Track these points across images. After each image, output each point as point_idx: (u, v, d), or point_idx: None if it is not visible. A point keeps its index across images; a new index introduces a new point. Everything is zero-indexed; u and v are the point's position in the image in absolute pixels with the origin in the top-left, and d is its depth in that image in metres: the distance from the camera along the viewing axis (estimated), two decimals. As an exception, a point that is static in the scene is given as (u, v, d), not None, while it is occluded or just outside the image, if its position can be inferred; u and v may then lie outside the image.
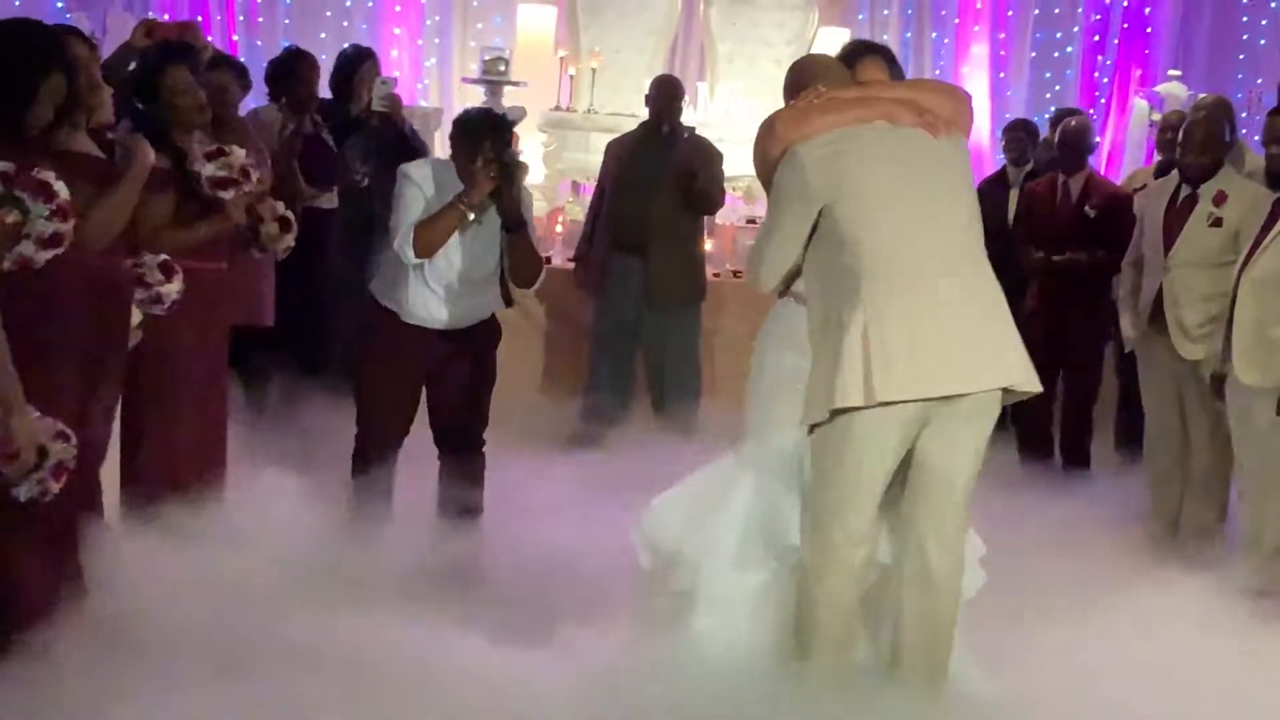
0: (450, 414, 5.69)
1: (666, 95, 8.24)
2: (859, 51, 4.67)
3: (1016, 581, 5.44)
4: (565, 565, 5.24)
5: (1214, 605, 5.36)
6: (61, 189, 3.82)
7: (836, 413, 3.97)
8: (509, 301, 5.74)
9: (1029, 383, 4.11)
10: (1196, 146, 6.35)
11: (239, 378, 6.66)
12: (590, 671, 4.26)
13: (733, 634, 4.29)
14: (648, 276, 7.97)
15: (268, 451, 6.05)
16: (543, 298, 8.66)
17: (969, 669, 4.35)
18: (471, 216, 5.40)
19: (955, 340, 3.99)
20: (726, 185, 10.48)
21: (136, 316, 4.77)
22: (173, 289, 4.76)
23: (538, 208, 10.65)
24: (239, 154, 5.29)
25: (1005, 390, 4.12)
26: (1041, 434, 7.75)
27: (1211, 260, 6.21)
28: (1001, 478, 7.15)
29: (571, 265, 8.67)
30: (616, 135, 8.76)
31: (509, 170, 5.40)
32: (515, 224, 5.47)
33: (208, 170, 5.25)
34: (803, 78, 4.35)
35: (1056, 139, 7.96)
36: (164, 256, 4.74)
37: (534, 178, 10.87)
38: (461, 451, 5.70)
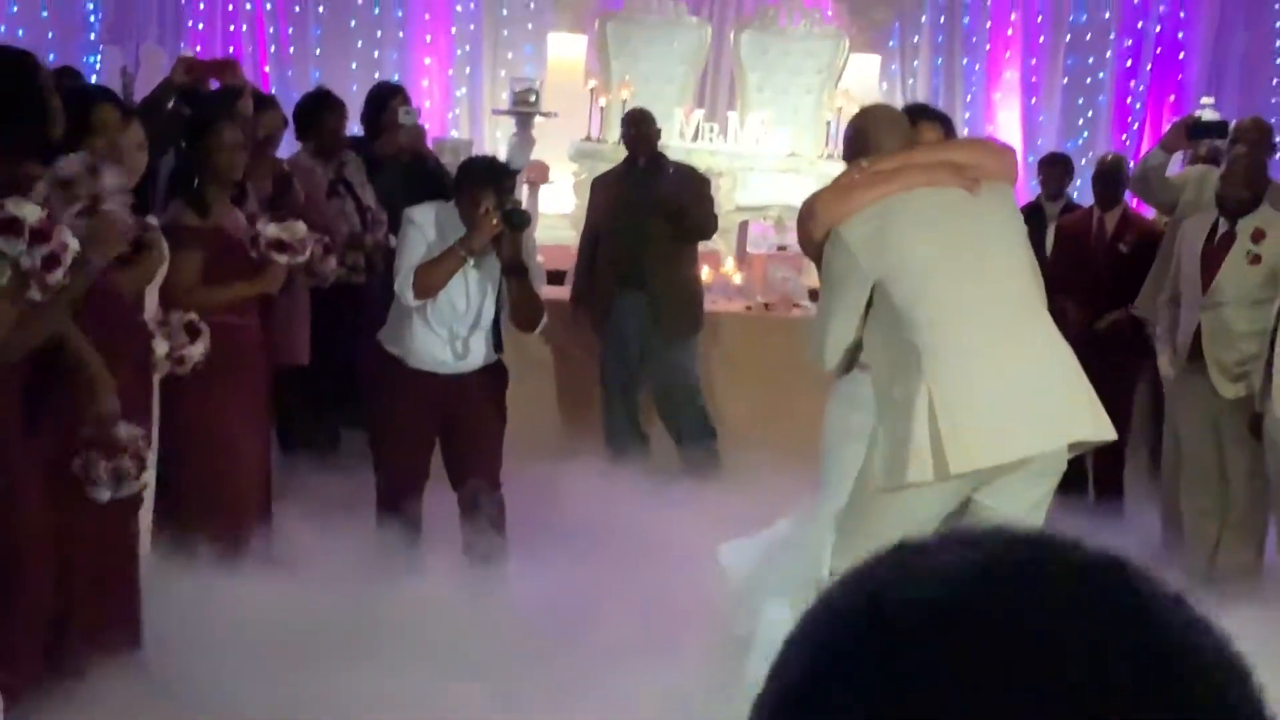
0: (463, 458, 5.74)
1: (635, 128, 8.23)
2: (915, 115, 4.69)
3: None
4: (603, 607, 5.20)
5: (1254, 644, 5.30)
6: (29, 211, 3.57)
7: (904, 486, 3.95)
8: (499, 347, 5.73)
9: (1100, 433, 4.08)
10: (1239, 179, 6.28)
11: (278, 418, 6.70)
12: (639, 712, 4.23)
13: None
14: (652, 310, 7.94)
15: (309, 495, 6.05)
16: (570, 333, 8.65)
17: None
18: (471, 261, 5.46)
19: (1022, 403, 3.95)
20: (758, 214, 10.52)
21: (163, 347, 4.77)
22: (196, 351, 4.75)
23: (568, 238, 10.69)
24: (301, 227, 5.36)
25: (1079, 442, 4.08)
26: (1075, 468, 7.65)
27: (1250, 298, 6.15)
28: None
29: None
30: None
31: (511, 218, 5.45)
32: (515, 270, 5.54)
33: (269, 230, 5.30)
34: (858, 138, 4.34)
35: (1094, 173, 7.91)
36: (191, 316, 4.73)
37: (565, 208, 10.90)
38: (478, 495, 5.71)
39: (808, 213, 4.23)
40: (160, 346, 4.66)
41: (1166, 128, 12.48)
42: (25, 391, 3.95)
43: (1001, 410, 3.93)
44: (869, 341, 4.15)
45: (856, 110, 10.27)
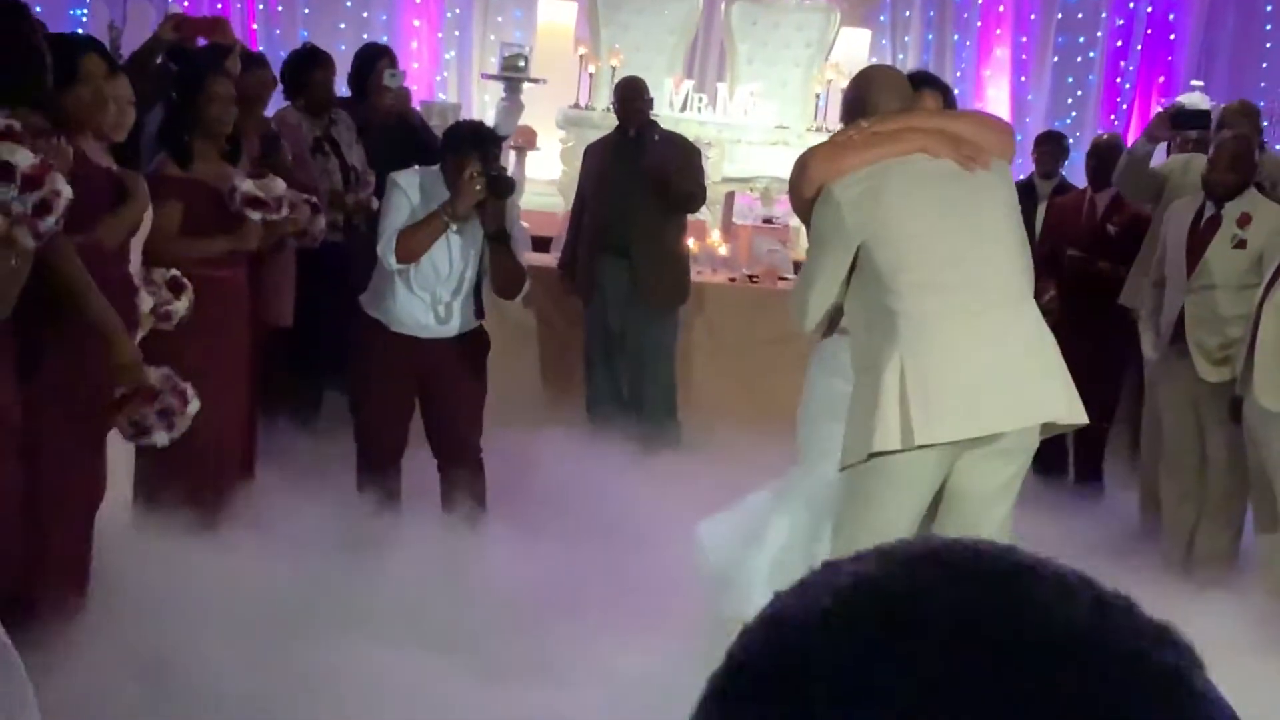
0: (444, 425, 5.74)
1: (625, 99, 8.20)
2: (917, 83, 4.66)
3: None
4: (582, 579, 5.21)
5: (1230, 630, 5.34)
6: (22, 157, 3.56)
7: (872, 455, 3.93)
8: (480, 313, 5.73)
9: (1072, 416, 4.06)
10: (1225, 163, 6.27)
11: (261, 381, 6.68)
12: (625, 695, 4.23)
13: None
14: (634, 279, 7.93)
15: (289, 457, 6.04)
16: (555, 301, 8.64)
17: None
18: (454, 227, 5.46)
19: (994, 378, 3.93)
20: (745, 186, 10.49)
21: (148, 303, 4.75)
22: (181, 306, 4.73)
23: (554, 204, 10.67)
24: (280, 185, 5.33)
25: (1048, 424, 4.07)
26: (1055, 449, 7.70)
27: (1234, 283, 6.15)
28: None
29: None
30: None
31: (495, 184, 5.44)
32: (497, 235, 5.54)
33: (245, 186, 5.28)
34: (857, 100, 4.30)
35: (1088, 153, 7.91)
36: (174, 273, 4.72)
37: (552, 174, 10.86)
38: (459, 462, 5.72)
39: (800, 168, 4.19)
40: (146, 302, 4.65)
41: (1154, 113, 12.58)
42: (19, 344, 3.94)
43: (973, 384, 3.91)
44: (850, 305, 4.13)
45: (845, 85, 10.39)
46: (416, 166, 5.72)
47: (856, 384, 4.03)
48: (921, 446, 3.88)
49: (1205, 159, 6.56)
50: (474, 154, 5.47)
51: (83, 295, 4.00)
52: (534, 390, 8.48)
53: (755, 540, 4.37)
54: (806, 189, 4.14)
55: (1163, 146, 7.83)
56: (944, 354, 3.91)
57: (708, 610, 4.48)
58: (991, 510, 4.08)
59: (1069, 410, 4.06)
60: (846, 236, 4.03)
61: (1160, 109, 8.47)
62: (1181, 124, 7.16)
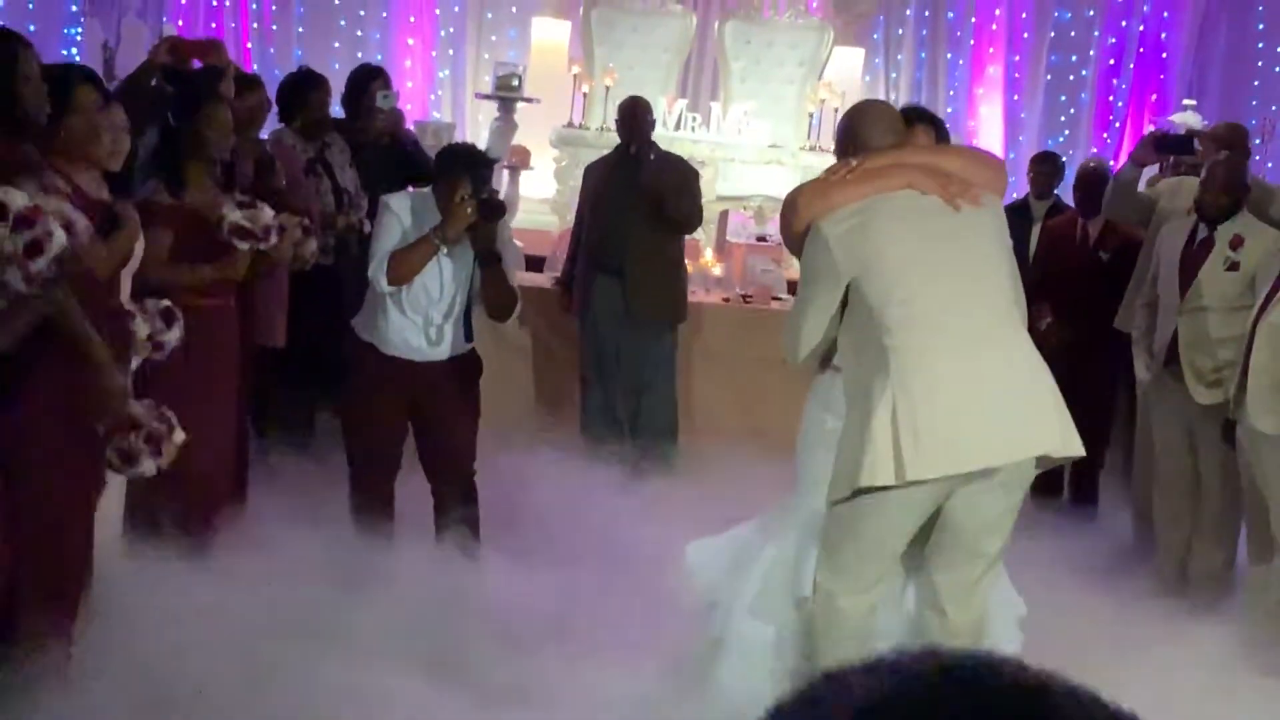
0: (437, 449, 5.74)
1: (629, 117, 8.20)
2: (911, 118, 4.67)
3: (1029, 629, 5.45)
4: (575, 603, 5.22)
5: (1222, 652, 5.34)
6: (16, 197, 3.55)
7: (860, 490, 3.92)
8: (470, 336, 5.73)
9: (1067, 448, 4.04)
10: (1218, 186, 6.28)
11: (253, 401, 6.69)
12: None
13: (754, 684, 4.27)
14: (627, 298, 7.94)
15: (282, 480, 6.03)
16: (549, 321, 8.65)
17: None
18: (445, 249, 5.49)
19: (986, 411, 3.92)
20: (738, 204, 10.52)
21: (144, 329, 4.74)
22: (173, 336, 4.72)
23: (549, 223, 10.69)
24: (267, 214, 5.33)
25: (1048, 455, 4.06)
26: (1050, 471, 7.71)
27: (1227, 304, 6.15)
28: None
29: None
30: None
31: (486, 208, 5.47)
32: (489, 259, 5.56)
33: (233, 216, 5.27)
34: (848, 134, 4.31)
35: (1075, 181, 7.93)
36: (166, 303, 4.70)
37: (546, 193, 10.89)
38: (452, 486, 5.73)
39: (790, 206, 4.21)
40: (141, 328, 4.64)
41: (1146, 131, 12.62)
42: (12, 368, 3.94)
43: (964, 418, 3.90)
44: (842, 340, 4.13)
45: (839, 103, 10.42)
46: (408, 189, 5.74)
47: (847, 418, 4.03)
48: (913, 482, 3.88)
49: (1196, 182, 6.57)
50: (465, 176, 5.49)
51: (70, 324, 4.00)
52: (528, 410, 8.47)
53: (743, 565, 4.38)
54: (796, 225, 4.15)
55: (1154, 167, 7.85)
56: (934, 388, 3.90)
57: (695, 633, 4.48)
58: (986, 542, 4.07)
59: (1064, 443, 4.03)
60: (836, 272, 4.04)
61: (1146, 134, 8.49)
62: (1166, 149, 7.18)
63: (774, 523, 4.41)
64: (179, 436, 4.27)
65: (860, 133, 4.27)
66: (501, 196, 9.94)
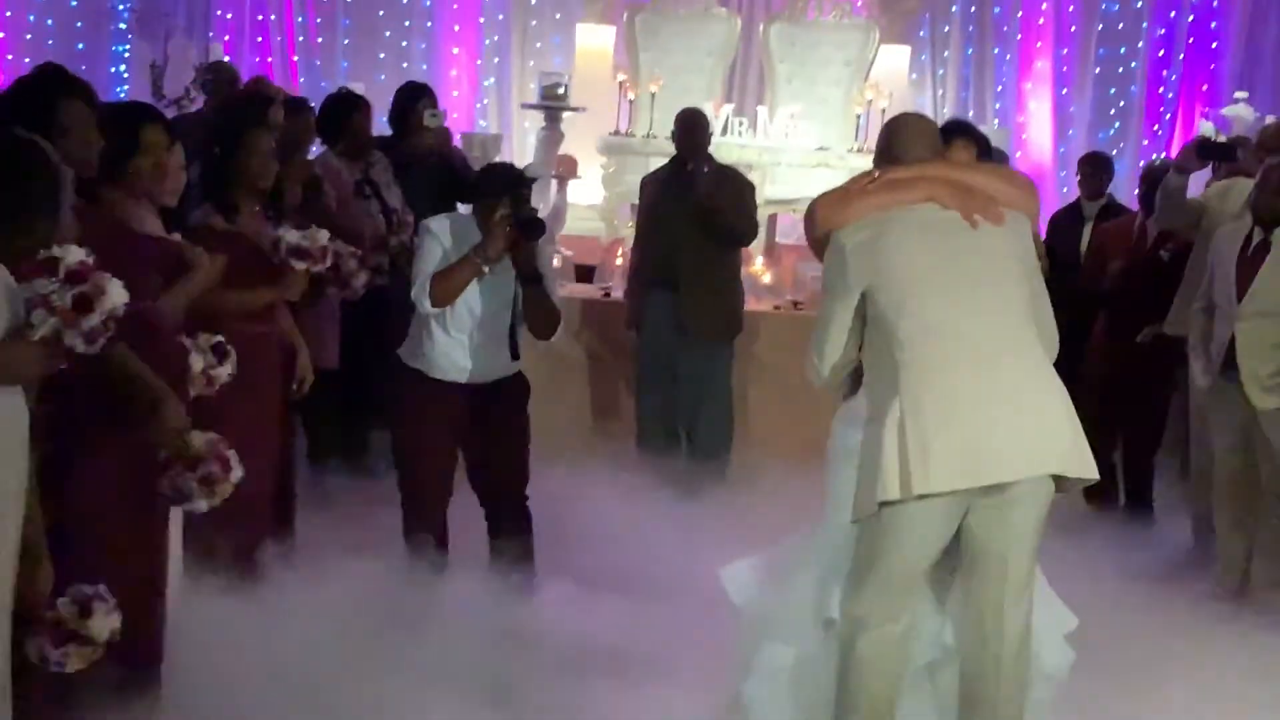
0: (489, 474, 5.74)
1: (685, 130, 8.17)
2: (951, 132, 4.64)
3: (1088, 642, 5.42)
4: (626, 626, 5.23)
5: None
6: (72, 254, 3.45)
7: (881, 505, 3.90)
8: (516, 355, 5.71)
9: (1080, 470, 3.98)
10: (1273, 189, 6.20)
11: (305, 422, 6.73)
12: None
13: (778, 704, 4.25)
14: (678, 311, 7.92)
15: (335, 506, 6.06)
16: (601, 333, 8.66)
17: None
18: (487, 270, 5.49)
19: (994, 428, 3.88)
20: (787, 208, 10.47)
21: (199, 364, 4.76)
22: (225, 371, 4.74)
23: (596, 229, 10.68)
24: (323, 235, 5.35)
25: (1063, 477, 3.99)
26: (1105, 478, 7.67)
27: (1284, 309, 6.10)
28: (1065, 525, 7.11)
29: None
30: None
31: (526, 227, 5.47)
32: (530, 278, 5.56)
33: (290, 237, 5.30)
34: (885, 149, 4.27)
35: (1140, 178, 7.87)
36: (218, 338, 4.71)
37: (594, 199, 10.88)
38: (504, 510, 5.73)
39: (810, 215, 4.20)
40: (196, 363, 4.66)
41: (1197, 124, 12.50)
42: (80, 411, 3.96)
43: (974, 433, 3.86)
44: (865, 358, 4.10)
45: (886, 103, 10.36)
46: (447, 213, 5.76)
47: (865, 435, 4.01)
48: (922, 496, 3.85)
49: (1247, 183, 6.51)
50: (505, 196, 5.50)
51: (127, 368, 4.01)
52: (583, 424, 8.49)
53: (775, 587, 4.34)
54: (815, 234, 4.16)
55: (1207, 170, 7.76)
56: (942, 402, 3.87)
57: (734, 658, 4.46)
58: (1012, 561, 3.99)
59: (1079, 464, 3.98)
60: (850, 283, 4.02)
61: (1191, 141, 8.40)
62: (1208, 155, 7.10)
63: (805, 542, 4.38)
64: (236, 475, 4.28)
65: (895, 146, 4.24)
66: (550, 206, 10.02)
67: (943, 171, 4.17)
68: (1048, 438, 3.95)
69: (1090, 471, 4.01)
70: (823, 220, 4.12)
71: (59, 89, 4.10)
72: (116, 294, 3.42)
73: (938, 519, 3.94)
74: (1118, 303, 7.62)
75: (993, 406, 3.89)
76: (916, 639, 4.13)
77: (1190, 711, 4.85)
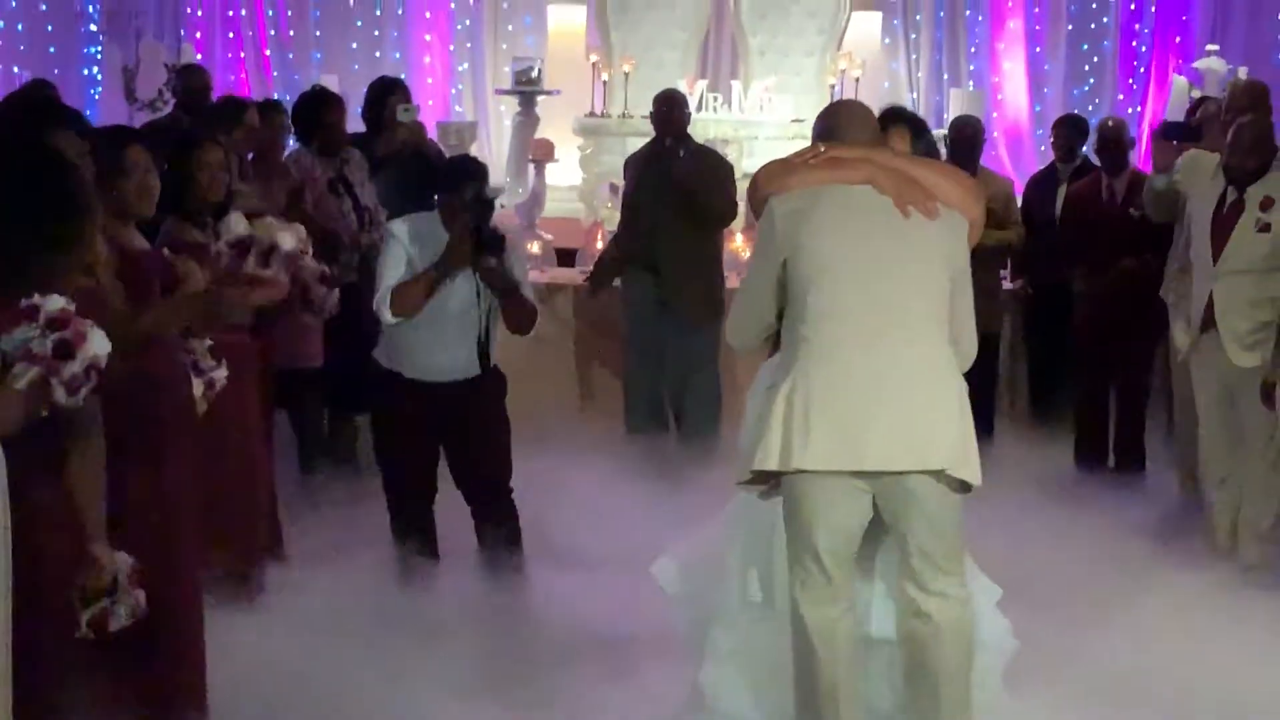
0: (470, 471, 5.75)
1: (662, 111, 8.17)
2: (888, 119, 4.67)
3: (1073, 594, 5.56)
4: (614, 614, 5.28)
5: (1273, 617, 5.36)
6: (53, 301, 3.37)
7: (770, 474, 3.94)
8: (489, 352, 5.70)
9: (962, 470, 3.94)
10: (1245, 148, 6.23)
11: (292, 421, 6.76)
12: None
13: (733, 687, 4.27)
14: (661, 294, 7.94)
15: (321, 502, 6.09)
16: (586, 317, 8.69)
17: None
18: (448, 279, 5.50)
19: (877, 415, 3.89)
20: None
21: (199, 388, 4.76)
22: (221, 375, 4.76)
23: (576, 210, 10.69)
24: (288, 237, 5.33)
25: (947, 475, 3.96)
26: (1096, 436, 7.73)
27: (1261, 266, 6.11)
28: (1057, 483, 7.18)
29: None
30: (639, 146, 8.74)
31: (486, 243, 5.45)
32: (505, 294, 5.58)
33: (239, 227, 5.30)
34: (825, 134, 4.27)
35: (1095, 141, 7.90)
36: (210, 341, 4.73)
37: (573, 180, 10.89)
38: (489, 504, 5.75)
39: (753, 181, 4.22)
40: (198, 387, 4.67)
41: (1170, 80, 12.49)
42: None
43: (856, 419, 3.88)
44: (783, 327, 4.12)
45: (860, 72, 10.36)
46: (411, 214, 5.74)
47: (762, 400, 4.04)
48: (800, 471, 3.88)
49: (1205, 153, 6.53)
50: (466, 185, 5.53)
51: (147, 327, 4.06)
52: (570, 406, 8.51)
53: (709, 571, 4.35)
54: (754, 201, 4.18)
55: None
56: (833, 381, 3.90)
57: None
58: (927, 543, 3.98)
59: (964, 465, 3.95)
60: (774, 250, 4.05)
61: (1178, 76, 8.41)
62: (1171, 134, 7.10)
63: (727, 523, 4.40)
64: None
65: (836, 131, 4.24)
66: (528, 191, 10.03)
67: (888, 159, 4.19)
68: (933, 435, 3.93)
69: (975, 478, 3.98)
70: (763, 182, 4.14)
71: (48, 120, 4.13)
72: (98, 343, 3.37)
73: (839, 497, 3.94)
74: (1094, 256, 7.64)
75: (882, 394, 3.90)
76: (869, 619, 4.13)
77: (1175, 658, 4.90)
